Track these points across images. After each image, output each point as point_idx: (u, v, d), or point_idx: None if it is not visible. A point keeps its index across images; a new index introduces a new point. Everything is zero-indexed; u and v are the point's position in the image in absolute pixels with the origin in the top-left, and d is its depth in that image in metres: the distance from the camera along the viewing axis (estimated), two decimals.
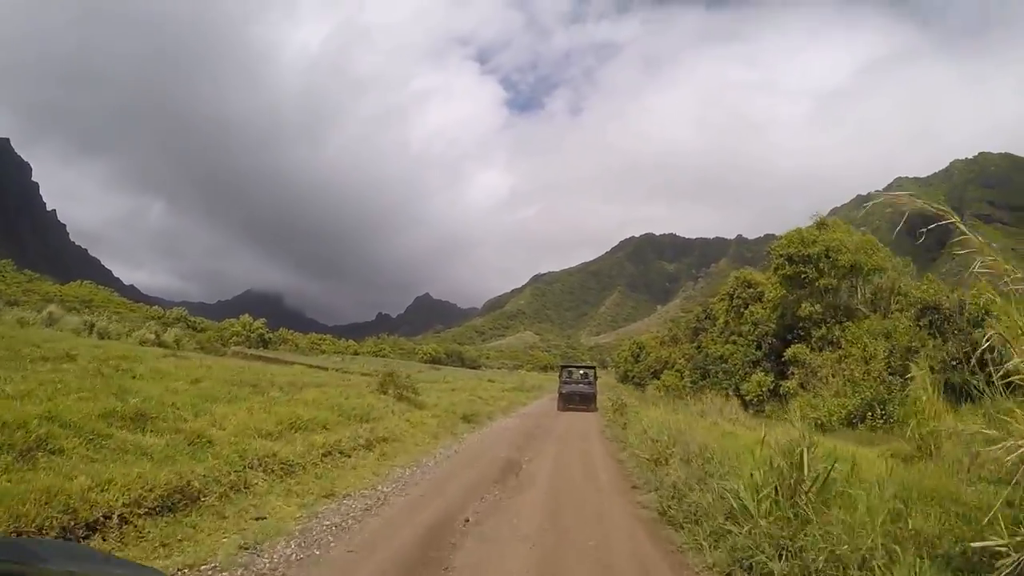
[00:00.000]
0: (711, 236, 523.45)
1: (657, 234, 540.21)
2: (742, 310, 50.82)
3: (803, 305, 38.51)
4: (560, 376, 40.52)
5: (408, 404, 22.30)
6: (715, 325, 61.55)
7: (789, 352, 38.00)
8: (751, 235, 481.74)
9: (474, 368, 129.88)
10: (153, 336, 43.87)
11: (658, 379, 79.23)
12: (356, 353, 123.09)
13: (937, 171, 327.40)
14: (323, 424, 14.45)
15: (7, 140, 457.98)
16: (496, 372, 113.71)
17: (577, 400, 35.76)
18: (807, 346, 37.41)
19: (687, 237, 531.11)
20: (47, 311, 43.02)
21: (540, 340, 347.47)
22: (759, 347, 45.74)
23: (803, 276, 37.52)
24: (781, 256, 38.82)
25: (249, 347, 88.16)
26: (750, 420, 26.44)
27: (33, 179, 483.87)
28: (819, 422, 26.50)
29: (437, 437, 17.76)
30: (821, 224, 39.83)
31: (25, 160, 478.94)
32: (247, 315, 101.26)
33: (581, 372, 41.22)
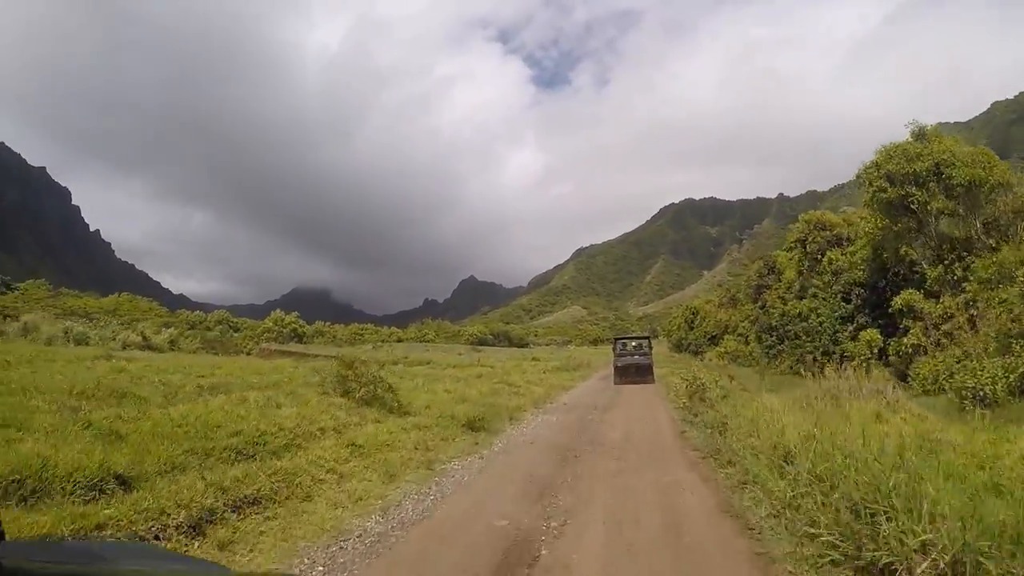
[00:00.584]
0: (752, 197, 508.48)
1: (697, 199, 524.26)
2: (818, 258, 42.39)
3: (907, 240, 30.02)
4: (614, 349, 37.85)
5: (381, 409, 14.82)
6: (780, 280, 53.33)
7: (899, 300, 29.43)
8: (792, 192, 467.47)
9: (521, 347, 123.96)
10: (139, 338, 38.65)
11: (716, 345, 71.70)
12: (399, 340, 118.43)
13: (978, 114, 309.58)
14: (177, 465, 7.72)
15: (43, 168, 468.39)
16: (544, 349, 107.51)
17: (633, 372, 33.95)
18: (920, 291, 28.99)
19: (727, 200, 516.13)
20: (23, 321, 39.18)
21: (588, 314, 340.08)
22: (846, 299, 37.45)
23: (909, 201, 28.69)
24: (878, 178, 29.81)
25: (282, 342, 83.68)
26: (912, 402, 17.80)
27: (74, 203, 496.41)
28: (977, 393, 18.42)
29: (395, 477, 9.89)
30: (919, 135, 30.72)
31: (63, 186, 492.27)
32: (278, 311, 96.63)
33: (635, 343, 38.65)
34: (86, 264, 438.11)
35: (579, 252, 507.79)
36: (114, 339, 38.39)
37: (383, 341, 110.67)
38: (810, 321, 39.44)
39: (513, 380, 27.58)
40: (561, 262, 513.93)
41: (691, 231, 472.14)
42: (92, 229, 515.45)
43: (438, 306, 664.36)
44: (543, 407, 21.35)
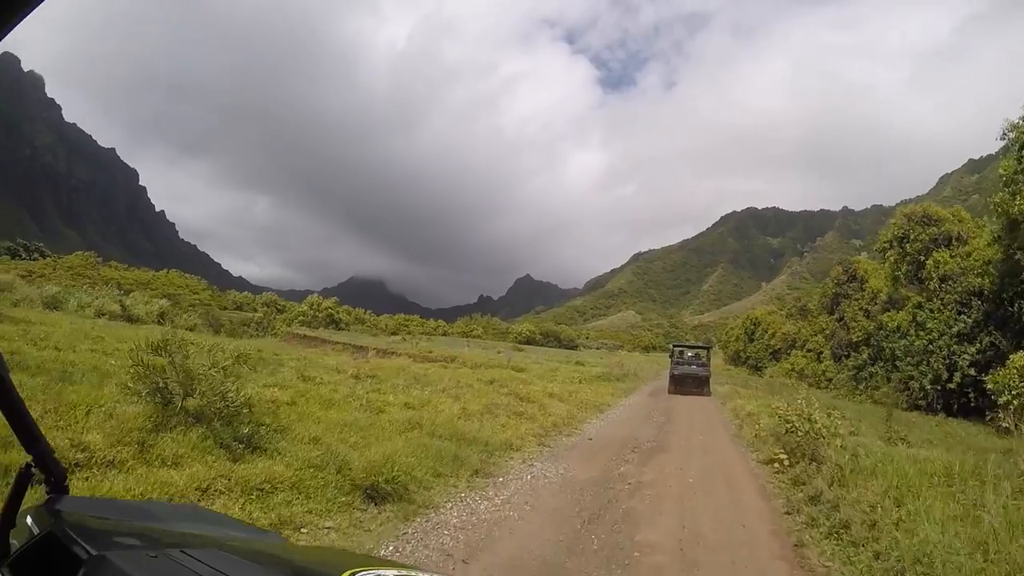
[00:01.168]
0: (815, 208, 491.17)
1: (759, 208, 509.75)
2: (920, 260, 34.49)
3: None
4: (671, 357, 36.21)
5: (209, 440, 7.94)
6: (864, 289, 45.36)
7: None
8: (857, 206, 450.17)
9: (570, 348, 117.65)
10: (118, 307, 34.21)
11: (780, 361, 63.67)
12: (444, 334, 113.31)
13: None
14: None
15: (113, 150, 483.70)
16: (592, 353, 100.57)
17: (689, 383, 32.88)
18: None
19: (790, 210, 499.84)
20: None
21: (642, 320, 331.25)
22: (962, 312, 29.58)
23: None
24: None
25: (315, 327, 79.15)
26: None
27: (140, 183, 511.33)
28: None
29: None
30: None
31: (132, 166, 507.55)
32: (315, 295, 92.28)
33: (693, 353, 38.21)
34: (150, 242, 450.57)
35: (637, 256, 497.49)
36: (90, 306, 33.42)
37: (426, 334, 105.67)
38: (911, 338, 31.69)
39: (530, 392, 20.59)
40: (618, 265, 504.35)
41: (751, 241, 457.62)
42: (157, 209, 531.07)
43: (492, 303, 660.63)
44: (551, 444, 14.04)
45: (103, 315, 32.08)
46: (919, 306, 32.15)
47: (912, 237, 35.34)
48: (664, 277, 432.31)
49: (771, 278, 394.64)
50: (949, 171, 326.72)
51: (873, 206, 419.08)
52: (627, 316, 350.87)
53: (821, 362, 48.91)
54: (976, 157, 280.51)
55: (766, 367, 63.85)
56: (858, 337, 41.59)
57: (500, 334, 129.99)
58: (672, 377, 33.77)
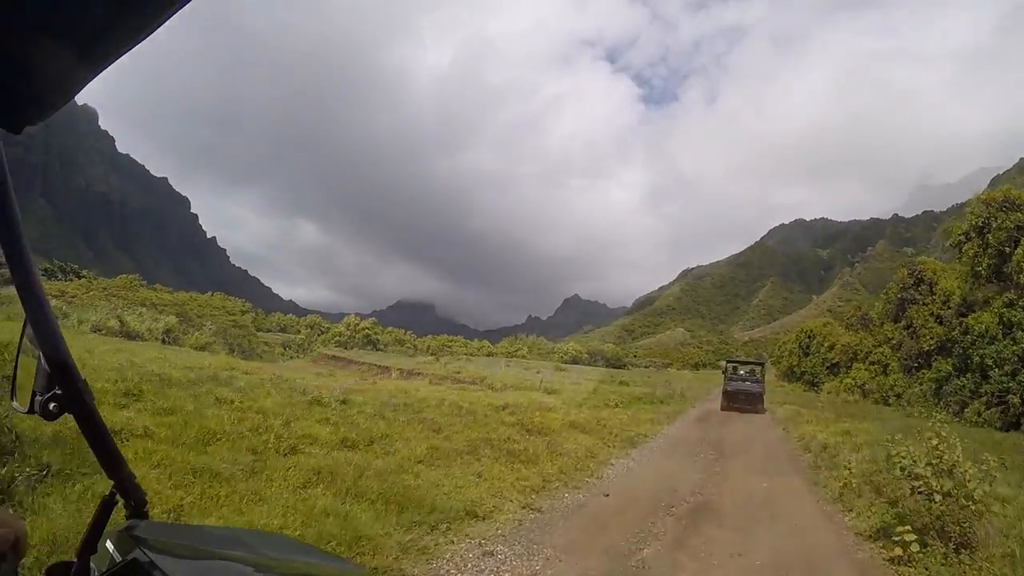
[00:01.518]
0: (865, 218, 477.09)
1: (807, 219, 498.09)
2: (1005, 251, 29.78)
3: None
4: (725, 373, 35.32)
5: None
6: (933, 293, 40.54)
7: None
8: (907, 213, 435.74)
9: (617, 367, 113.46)
10: (116, 323, 32.04)
11: (838, 375, 58.40)
12: (489, 354, 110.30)
13: None
14: None
15: (165, 179, 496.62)
16: (639, 372, 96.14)
17: (743, 399, 31.91)
18: None
19: (839, 220, 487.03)
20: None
21: (691, 336, 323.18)
22: None
23: None
24: None
25: (351, 348, 77.52)
26: None
27: (192, 211, 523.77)
28: None
29: None
30: None
31: (184, 195, 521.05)
32: (353, 315, 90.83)
33: (748, 369, 37.98)
34: (202, 268, 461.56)
35: (685, 273, 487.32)
36: (85, 322, 31.11)
37: (469, 355, 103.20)
38: (1000, 344, 27.00)
39: (546, 421, 16.61)
40: (666, 283, 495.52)
41: (801, 253, 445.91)
42: (209, 236, 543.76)
43: (541, 323, 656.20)
44: (543, 504, 9.48)
45: (99, 331, 29.66)
46: (1010, 304, 27.47)
47: (995, 226, 30.58)
48: (713, 293, 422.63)
49: (822, 290, 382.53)
50: (1001, 171, 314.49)
51: (924, 212, 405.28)
52: (676, 334, 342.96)
53: (888, 375, 43.95)
54: None
55: (823, 382, 58.85)
56: (930, 345, 36.96)
57: (545, 354, 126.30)
58: (725, 393, 32.76)
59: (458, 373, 44.11)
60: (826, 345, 65.31)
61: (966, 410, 27.38)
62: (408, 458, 9.91)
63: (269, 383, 16.18)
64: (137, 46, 1.10)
